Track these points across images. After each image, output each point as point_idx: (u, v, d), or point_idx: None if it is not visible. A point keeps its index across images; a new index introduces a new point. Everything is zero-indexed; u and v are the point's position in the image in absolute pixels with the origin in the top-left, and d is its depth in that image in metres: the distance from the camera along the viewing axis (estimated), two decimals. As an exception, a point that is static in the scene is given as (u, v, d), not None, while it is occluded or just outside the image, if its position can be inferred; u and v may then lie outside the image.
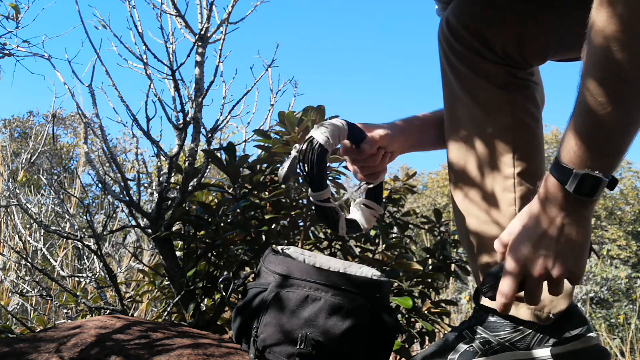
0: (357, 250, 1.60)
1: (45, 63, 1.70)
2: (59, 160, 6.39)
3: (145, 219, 1.58)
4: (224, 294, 1.04)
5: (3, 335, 1.27)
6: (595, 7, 0.69)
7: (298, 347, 0.92)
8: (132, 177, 1.65)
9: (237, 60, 2.06)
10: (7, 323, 1.99)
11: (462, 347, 0.98)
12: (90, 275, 1.83)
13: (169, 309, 1.50)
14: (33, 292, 2.03)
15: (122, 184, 1.56)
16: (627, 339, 4.00)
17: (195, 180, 1.57)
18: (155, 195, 1.58)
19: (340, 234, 1.07)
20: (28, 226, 2.68)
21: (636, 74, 0.68)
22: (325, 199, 1.02)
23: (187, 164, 1.58)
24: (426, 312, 1.56)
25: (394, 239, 1.61)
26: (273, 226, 1.47)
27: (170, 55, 1.60)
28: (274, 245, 1.12)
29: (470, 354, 0.97)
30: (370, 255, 1.53)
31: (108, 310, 1.56)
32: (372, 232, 1.57)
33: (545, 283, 0.81)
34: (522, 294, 0.83)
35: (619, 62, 0.68)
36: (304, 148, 1.00)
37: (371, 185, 1.15)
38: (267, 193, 1.49)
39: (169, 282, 1.55)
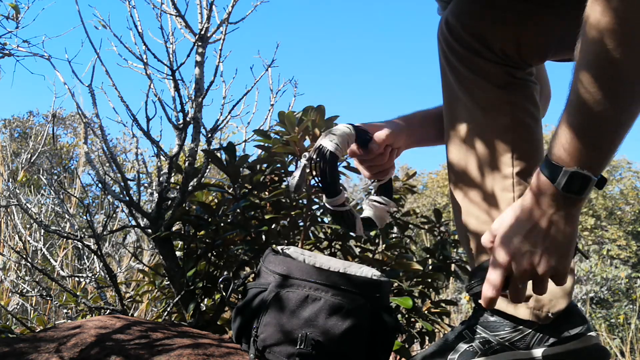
0: (357, 250, 1.60)
1: (45, 63, 1.71)
2: (59, 160, 6.39)
3: (145, 219, 1.58)
4: (224, 294, 1.04)
5: (3, 335, 1.27)
6: (590, 1, 0.69)
7: (298, 347, 0.92)
8: (132, 177, 1.65)
9: (237, 60, 2.06)
10: (7, 323, 2.00)
11: (462, 346, 0.98)
12: (90, 275, 1.83)
13: (169, 309, 1.50)
14: (33, 292, 2.03)
15: (122, 184, 1.56)
16: (627, 339, 4.00)
17: (195, 180, 1.57)
18: (155, 195, 1.58)
19: (358, 234, 1.10)
20: (28, 226, 2.68)
21: (630, 69, 0.68)
22: (340, 203, 1.04)
23: (187, 164, 1.58)
24: (426, 312, 1.56)
25: (394, 239, 1.61)
26: (273, 226, 1.47)
27: (170, 55, 1.60)
28: (274, 245, 1.12)
29: (470, 353, 0.97)
30: (370, 255, 1.53)
31: (108, 310, 1.56)
32: (372, 232, 1.57)
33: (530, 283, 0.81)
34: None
35: (614, 57, 0.67)
36: (314, 157, 1.01)
37: (382, 182, 1.17)
38: (267, 193, 1.49)
39: (169, 282, 1.55)
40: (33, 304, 2.30)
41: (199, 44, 1.64)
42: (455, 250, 1.73)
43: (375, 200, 1.16)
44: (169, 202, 1.56)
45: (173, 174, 1.59)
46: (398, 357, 1.38)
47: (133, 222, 1.60)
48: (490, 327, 0.98)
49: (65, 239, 2.34)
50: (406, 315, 1.53)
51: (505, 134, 1.01)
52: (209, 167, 1.65)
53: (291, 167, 1.48)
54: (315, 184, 1.16)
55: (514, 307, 0.97)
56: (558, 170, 0.74)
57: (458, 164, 1.07)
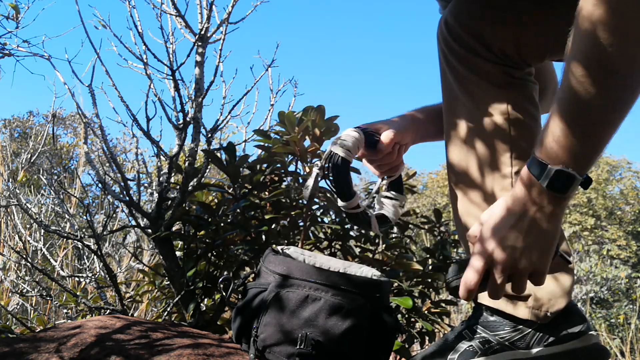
0: (357, 250, 1.60)
1: (45, 63, 1.71)
2: (59, 160, 6.39)
3: (145, 219, 1.58)
4: (224, 294, 1.04)
5: (3, 335, 1.27)
6: None
7: (298, 347, 0.92)
8: (132, 177, 1.65)
9: (237, 60, 2.06)
10: (7, 323, 2.00)
11: (462, 346, 0.98)
12: (90, 275, 1.84)
13: (169, 309, 1.50)
14: (33, 292, 2.03)
15: (122, 184, 1.56)
16: (627, 339, 4.00)
17: (195, 180, 1.57)
18: (155, 195, 1.58)
19: (374, 231, 1.13)
20: (28, 226, 2.68)
21: (623, 61, 0.67)
22: (355, 206, 1.07)
23: (187, 164, 1.58)
24: (426, 312, 1.56)
25: (394, 239, 1.61)
26: (273, 226, 1.47)
27: (170, 55, 1.60)
28: (274, 245, 1.12)
29: (470, 353, 0.97)
30: (370, 255, 1.53)
31: (108, 310, 1.56)
32: (372, 232, 1.57)
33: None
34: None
35: (606, 49, 0.67)
36: (325, 165, 1.04)
37: (392, 179, 1.19)
38: (267, 193, 1.49)
39: (169, 282, 1.55)
40: (33, 304, 2.30)
41: (199, 44, 1.64)
42: (455, 250, 1.73)
43: (387, 197, 1.19)
44: (169, 202, 1.56)
45: (173, 174, 1.59)
46: (398, 357, 1.38)
47: (133, 222, 1.60)
48: (490, 326, 0.98)
49: (65, 239, 2.34)
50: (406, 315, 1.53)
51: (504, 133, 1.01)
52: (209, 167, 1.65)
53: (291, 167, 1.49)
54: (328, 190, 1.21)
55: (513, 306, 0.97)
56: (543, 167, 0.74)
57: (458, 164, 1.07)
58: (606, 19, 0.66)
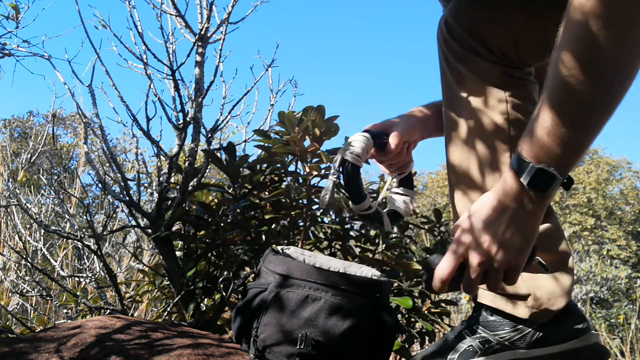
0: (357, 250, 1.61)
1: (45, 63, 1.71)
2: (59, 160, 6.39)
3: (145, 219, 1.58)
4: (224, 294, 1.04)
5: (3, 335, 1.27)
6: None
7: (298, 347, 0.92)
8: (132, 177, 1.65)
9: (237, 60, 2.06)
10: (7, 323, 2.00)
11: (462, 346, 0.98)
12: (90, 275, 1.84)
13: (169, 309, 1.50)
14: (33, 292, 2.03)
15: (122, 184, 1.56)
16: (627, 339, 4.00)
17: (195, 180, 1.57)
18: (155, 195, 1.58)
19: (387, 229, 1.15)
20: (28, 226, 2.68)
21: (614, 53, 0.67)
22: (366, 207, 1.10)
23: (187, 164, 1.58)
24: (426, 312, 1.56)
25: (394, 239, 1.61)
26: (273, 226, 1.47)
27: (170, 55, 1.60)
28: (274, 245, 1.12)
29: (470, 353, 0.97)
30: (370, 255, 1.53)
31: (108, 310, 1.56)
32: (372, 232, 1.57)
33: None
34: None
35: (597, 39, 0.66)
36: (338, 170, 1.07)
37: (403, 176, 1.21)
38: (267, 193, 1.49)
39: (169, 282, 1.55)
40: (33, 304, 2.30)
41: (199, 44, 1.64)
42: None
43: (397, 193, 1.21)
44: (169, 202, 1.56)
45: (173, 174, 1.59)
46: (398, 357, 1.38)
47: (133, 222, 1.60)
48: (490, 326, 0.98)
49: (65, 239, 2.34)
50: (406, 315, 1.53)
51: (504, 133, 1.01)
52: (209, 167, 1.65)
53: (291, 167, 1.49)
54: (342, 195, 1.25)
55: (513, 306, 0.97)
56: (525, 165, 0.74)
57: (457, 164, 1.07)
58: (597, 10, 0.66)
